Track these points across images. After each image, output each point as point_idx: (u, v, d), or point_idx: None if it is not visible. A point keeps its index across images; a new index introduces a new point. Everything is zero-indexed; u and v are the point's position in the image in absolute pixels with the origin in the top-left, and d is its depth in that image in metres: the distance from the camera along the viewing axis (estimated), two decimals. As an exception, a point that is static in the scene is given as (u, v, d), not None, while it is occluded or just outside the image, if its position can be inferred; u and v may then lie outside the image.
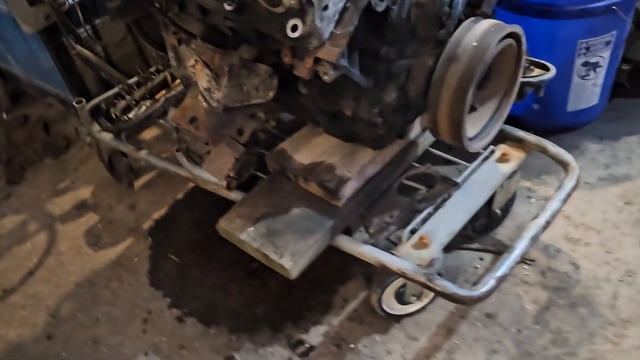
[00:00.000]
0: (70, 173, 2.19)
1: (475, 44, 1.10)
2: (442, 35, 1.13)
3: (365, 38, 1.10)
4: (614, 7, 1.54)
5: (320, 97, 1.23)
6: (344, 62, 1.04)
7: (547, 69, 1.54)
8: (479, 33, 1.11)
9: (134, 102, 1.81)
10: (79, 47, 1.89)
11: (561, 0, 1.55)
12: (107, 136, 1.82)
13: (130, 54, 2.06)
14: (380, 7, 1.04)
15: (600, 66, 1.71)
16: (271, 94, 1.23)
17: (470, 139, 1.24)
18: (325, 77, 1.03)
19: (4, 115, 2.51)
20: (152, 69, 1.90)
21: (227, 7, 1.01)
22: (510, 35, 1.18)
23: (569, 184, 1.36)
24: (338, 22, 1.01)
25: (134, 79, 1.87)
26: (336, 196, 1.30)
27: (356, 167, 1.34)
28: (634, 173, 1.68)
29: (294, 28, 0.96)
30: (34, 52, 2.03)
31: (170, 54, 1.46)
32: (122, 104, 1.80)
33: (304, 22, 0.95)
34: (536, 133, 1.86)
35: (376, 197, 1.40)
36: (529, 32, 1.64)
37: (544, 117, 1.85)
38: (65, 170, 2.21)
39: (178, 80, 1.86)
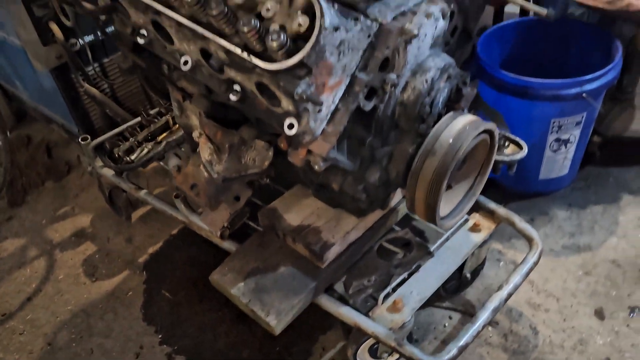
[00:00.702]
0: (71, 199, 2.30)
1: (451, 140, 1.23)
2: (423, 129, 1.26)
3: (354, 129, 1.23)
4: (583, 95, 1.68)
5: (310, 171, 1.36)
6: (333, 154, 1.17)
7: (520, 147, 1.68)
8: (455, 131, 1.24)
9: (136, 143, 1.93)
10: (87, 85, 2.01)
11: (537, 84, 1.69)
12: (108, 172, 1.93)
13: (135, 92, 2.18)
14: (368, 107, 1.17)
15: (570, 142, 1.86)
16: (267, 163, 1.36)
17: (444, 217, 1.37)
18: (316, 167, 1.16)
19: (8, 134, 2.62)
20: (155, 111, 2.02)
21: (232, 98, 1.14)
22: (484, 130, 1.31)
23: (532, 259, 1.49)
24: (330, 121, 1.13)
25: (138, 119, 2.00)
26: (320, 259, 1.43)
27: (340, 233, 1.47)
28: (595, 244, 1.83)
29: (291, 126, 1.08)
30: (43, 84, 2.14)
31: (174, 103, 1.58)
32: (125, 145, 1.91)
33: (299, 122, 1.07)
34: (511, 195, 2.02)
35: (357, 258, 1.53)
36: (508, 108, 1.81)
37: (519, 183, 2.00)
38: (66, 196, 2.32)
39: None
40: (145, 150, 1.91)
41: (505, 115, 1.82)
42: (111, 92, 2.13)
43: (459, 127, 1.25)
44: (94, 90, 2.01)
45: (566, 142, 1.85)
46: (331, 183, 1.35)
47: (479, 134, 1.29)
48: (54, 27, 1.82)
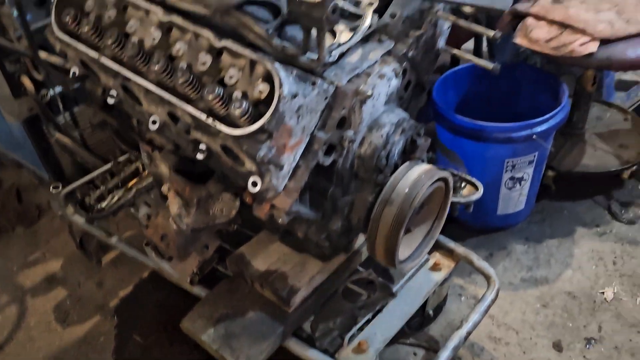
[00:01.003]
0: (42, 245, 2.31)
1: (407, 190, 1.31)
2: (381, 179, 1.34)
3: (316, 181, 1.30)
4: (533, 137, 1.79)
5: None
6: (295, 208, 1.24)
7: (476, 187, 1.77)
8: (410, 180, 1.32)
9: (107, 190, 1.96)
10: (58, 135, 2.05)
11: (489, 128, 1.80)
12: (79, 219, 1.96)
13: (105, 140, 2.22)
14: (327, 162, 1.24)
15: (524, 180, 1.96)
16: (234, 212, 1.42)
17: (404, 261, 1.45)
18: (280, 221, 1.23)
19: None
20: (125, 158, 2.06)
21: (199, 156, 1.20)
22: (439, 178, 1.40)
23: (490, 296, 1.57)
24: (291, 177, 1.20)
25: (108, 166, 2.04)
26: (287, 304, 1.49)
27: (306, 277, 1.53)
28: (552, 276, 1.92)
29: (254, 184, 1.15)
30: (14, 133, 2.17)
31: (143, 154, 1.63)
32: (96, 193, 1.95)
33: (262, 180, 1.14)
34: (472, 231, 2.11)
35: (323, 301, 1.59)
36: (464, 150, 1.90)
37: (478, 219, 2.09)
38: (37, 241, 2.33)
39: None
40: (116, 198, 1.95)
41: (461, 156, 1.92)
42: (82, 140, 2.17)
43: (414, 177, 1.33)
44: (65, 139, 2.05)
45: (520, 179, 1.95)
46: (296, 231, 1.41)
47: (434, 182, 1.38)
48: (25, 81, 1.87)
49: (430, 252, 1.72)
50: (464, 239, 2.08)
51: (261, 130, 1.04)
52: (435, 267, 1.68)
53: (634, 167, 2.19)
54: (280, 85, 1.03)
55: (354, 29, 1.31)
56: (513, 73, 2.13)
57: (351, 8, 1.37)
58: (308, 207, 1.32)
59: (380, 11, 1.37)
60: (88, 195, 1.95)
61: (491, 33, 1.42)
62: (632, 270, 1.89)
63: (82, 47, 1.28)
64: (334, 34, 1.33)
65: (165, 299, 2.00)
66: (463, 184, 1.80)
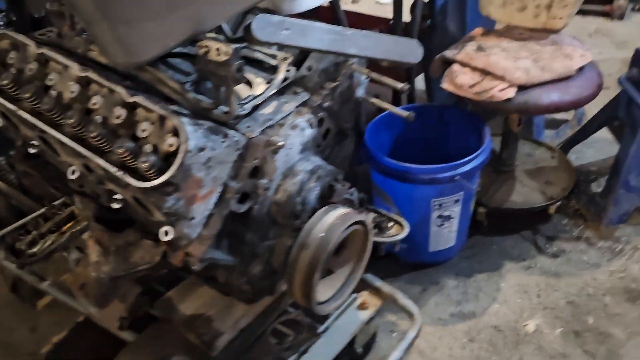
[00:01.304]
0: (-25, 289, 2.27)
1: (322, 235, 1.35)
2: (298, 224, 1.39)
3: (233, 227, 1.34)
4: (456, 178, 1.87)
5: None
6: (210, 255, 1.27)
7: (402, 226, 1.83)
8: (325, 225, 1.37)
9: (39, 235, 1.96)
10: (-8, 179, 2.05)
11: (415, 170, 1.87)
12: (11, 265, 1.95)
13: (41, 182, 2.21)
14: (242, 210, 1.29)
15: (452, 218, 2.03)
16: (157, 258, 1.44)
17: (325, 302, 1.48)
18: (194, 267, 1.26)
19: None
20: (60, 202, 2.06)
21: (115, 206, 1.23)
22: (357, 221, 1.45)
23: (411, 334, 1.63)
24: (205, 225, 1.24)
25: (42, 211, 2.03)
26: (211, 348, 1.51)
27: (231, 321, 1.55)
28: (479, 311, 1.98)
29: (166, 233, 1.18)
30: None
31: (75, 198, 1.65)
32: (28, 238, 1.94)
33: (174, 230, 1.17)
34: (406, 267, 2.16)
35: (250, 342, 1.61)
36: (394, 190, 1.97)
37: (411, 255, 2.15)
38: (-31, 286, 2.29)
39: (85, 214, 2.03)
40: (49, 242, 1.94)
41: (392, 196, 1.99)
42: (18, 183, 2.16)
43: (329, 222, 1.37)
44: (-1, 183, 2.05)
45: (448, 217, 2.03)
46: (217, 277, 1.44)
47: (350, 226, 1.43)
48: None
49: (358, 291, 1.77)
50: (399, 275, 2.14)
51: (167, 183, 1.08)
52: (362, 306, 1.73)
53: (559, 203, 2.29)
54: (186, 140, 1.08)
55: (270, 81, 1.38)
56: (443, 115, 2.22)
57: (271, 61, 1.44)
58: (226, 253, 1.35)
59: (298, 64, 1.44)
60: (19, 240, 1.94)
61: (399, 86, 1.50)
62: (555, 303, 1.97)
63: (0, 100, 1.31)
64: (250, 85, 1.39)
65: (99, 342, 1.98)
66: (390, 224, 1.87)
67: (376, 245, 1.67)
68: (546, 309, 1.95)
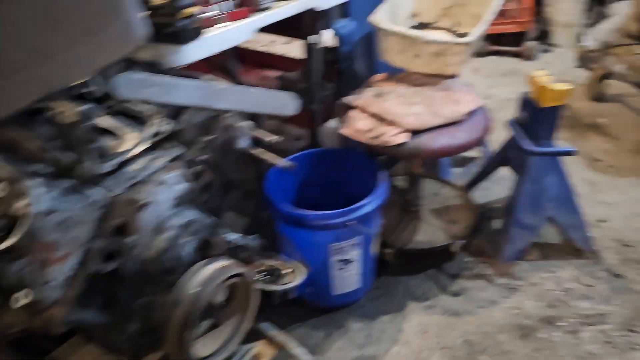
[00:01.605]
0: None
1: (194, 290, 1.35)
2: (173, 280, 1.38)
3: (105, 285, 1.32)
4: (346, 224, 1.90)
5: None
6: (74, 316, 1.25)
7: (298, 273, 1.84)
8: (200, 280, 1.37)
9: None
10: None
11: (309, 216, 1.90)
12: None
13: None
14: (108, 269, 1.27)
15: (352, 261, 2.06)
16: (25, 321, 1.40)
17: (208, 357, 1.47)
18: (54, 331, 1.23)
19: None
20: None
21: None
22: (237, 274, 1.45)
23: (302, 383, 1.62)
24: (68, 286, 1.22)
25: None
26: (90, 410, 1.46)
27: (114, 380, 1.51)
28: (380, 353, 2.00)
29: (16, 300, 1.15)
30: None
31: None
32: None
33: (26, 296, 1.15)
34: (314, 310, 2.16)
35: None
36: (295, 236, 1.99)
37: (317, 298, 2.16)
38: None
39: None
40: None
41: (294, 241, 2.01)
42: None
43: (204, 277, 1.37)
44: None
45: (348, 261, 2.05)
46: (94, 335, 1.41)
47: (229, 278, 1.43)
48: None
49: (254, 341, 1.76)
50: (306, 319, 2.14)
51: (12, 248, 1.06)
52: (257, 357, 1.71)
53: (462, 241, 2.36)
54: (30, 204, 1.07)
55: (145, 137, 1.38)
56: (344, 158, 2.27)
57: (144, 115, 1.45)
58: (98, 312, 1.33)
59: (174, 118, 1.46)
60: None
61: (277, 161, 1.54)
62: (452, 342, 2.00)
63: None
64: (122, 141, 1.39)
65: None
66: (287, 271, 1.88)
67: (270, 293, 1.69)
68: (444, 348, 1.98)
